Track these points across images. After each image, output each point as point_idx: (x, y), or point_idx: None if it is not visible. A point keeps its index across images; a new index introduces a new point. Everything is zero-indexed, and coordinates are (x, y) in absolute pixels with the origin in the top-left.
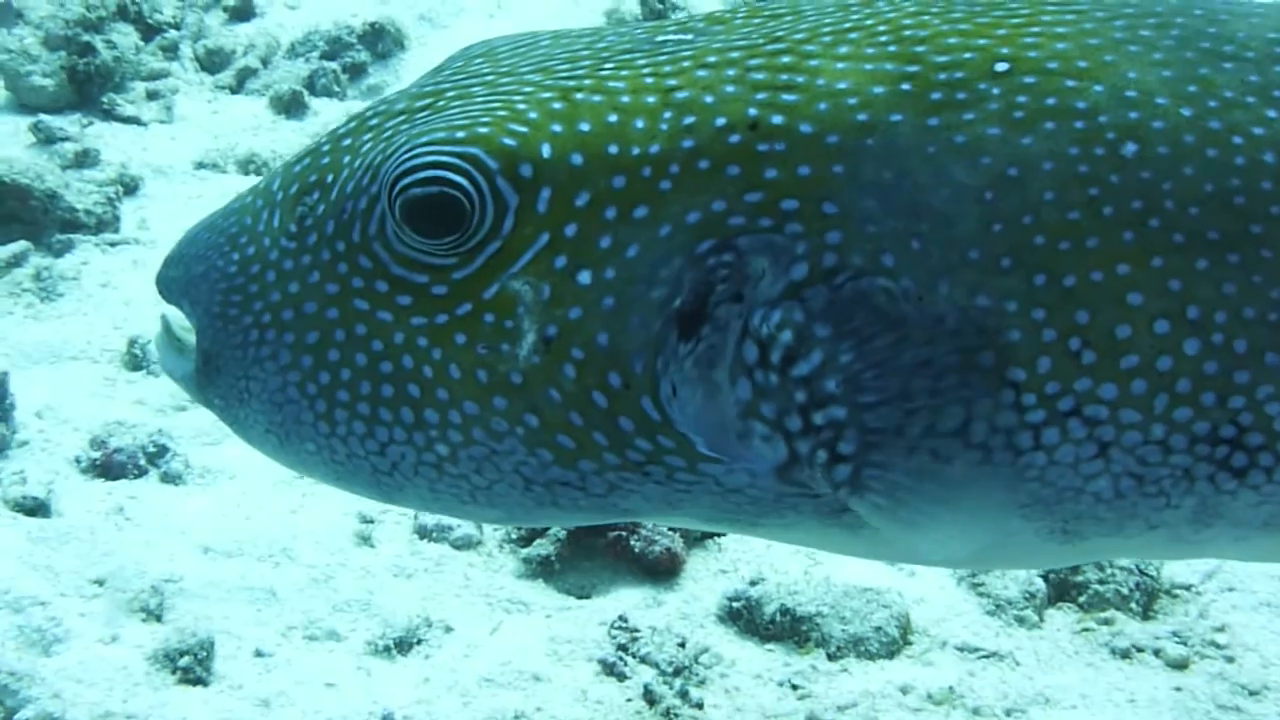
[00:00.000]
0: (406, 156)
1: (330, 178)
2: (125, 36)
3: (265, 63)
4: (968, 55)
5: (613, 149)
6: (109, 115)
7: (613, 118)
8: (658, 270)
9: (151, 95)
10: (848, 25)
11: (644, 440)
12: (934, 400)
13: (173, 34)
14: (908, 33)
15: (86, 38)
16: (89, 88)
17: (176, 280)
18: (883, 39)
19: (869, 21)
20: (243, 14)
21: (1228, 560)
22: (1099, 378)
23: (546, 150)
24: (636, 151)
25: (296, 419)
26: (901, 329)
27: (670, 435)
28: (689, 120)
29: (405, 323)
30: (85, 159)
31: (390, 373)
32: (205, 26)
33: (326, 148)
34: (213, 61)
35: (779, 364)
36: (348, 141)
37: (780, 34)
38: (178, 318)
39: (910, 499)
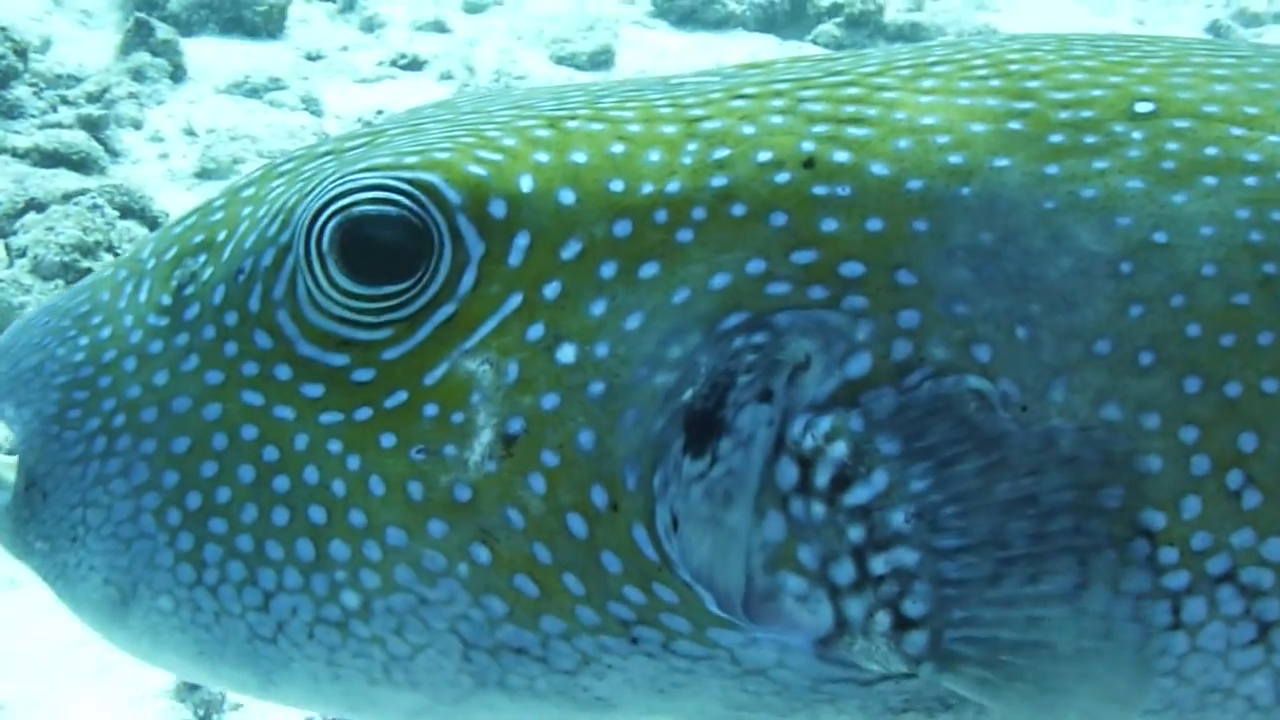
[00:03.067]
0: (335, 184)
1: (223, 235)
2: None
3: None
4: (1097, 93)
5: (616, 186)
6: None
7: (617, 148)
8: (666, 349)
9: None
10: (931, 60)
11: (634, 589)
12: (1037, 550)
13: None
14: (1014, 67)
15: (85, 264)
16: None
17: None
18: (980, 73)
19: (960, 55)
20: None
21: None
22: (1265, 530)
23: (527, 183)
24: (649, 190)
25: (150, 561)
26: (997, 449)
27: (670, 585)
28: (721, 153)
29: (312, 421)
30: None
31: (286, 491)
32: None
33: (220, 202)
34: None
35: (827, 490)
36: (249, 191)
37: (841, 69)
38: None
39: (1027, 662)
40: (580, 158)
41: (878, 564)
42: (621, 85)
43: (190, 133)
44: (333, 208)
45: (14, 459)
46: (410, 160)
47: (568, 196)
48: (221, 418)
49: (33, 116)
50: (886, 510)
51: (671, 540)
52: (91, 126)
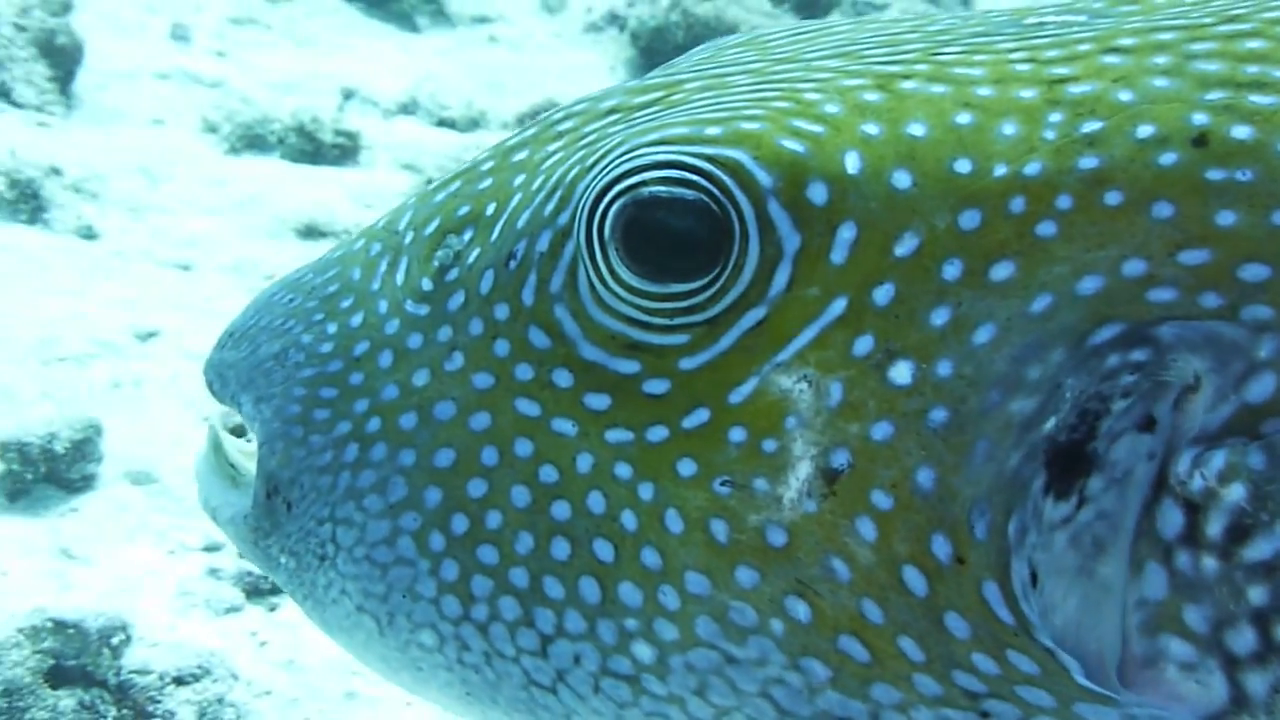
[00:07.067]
0: (622, 160)
1: (492, 208)
2: None
3: None
4: None
5: (962, 166)
6: None
7: (964, 118)
8: (1023, 369)
9: None
10: None
11: (985, 656)
12: None
13: None
14: None
15: None
16: None
17: (236, 365)
18: None
19: None
20: None
21: None
22: None
23: (854, 162)
24: (1002, 172)
25: (409, 590)
26: None
27: (1029, 652)
28: (1092, 126)
29: (597, 438)
30: None
31: (567, 520)
32: None
33: (489, 165)
34: None
35: (1220, 541)
36: (522, 155)
37: (1240, 12)
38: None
39: None
40: (918, 130)
41: None
42: (967, 23)
43: None
44: (617, 189)
45: (252, 450)
46: (712, 132)
47: (903, 179)
48: (491, 428)
49: None
50: None
51: (1030, 599)
52: None
